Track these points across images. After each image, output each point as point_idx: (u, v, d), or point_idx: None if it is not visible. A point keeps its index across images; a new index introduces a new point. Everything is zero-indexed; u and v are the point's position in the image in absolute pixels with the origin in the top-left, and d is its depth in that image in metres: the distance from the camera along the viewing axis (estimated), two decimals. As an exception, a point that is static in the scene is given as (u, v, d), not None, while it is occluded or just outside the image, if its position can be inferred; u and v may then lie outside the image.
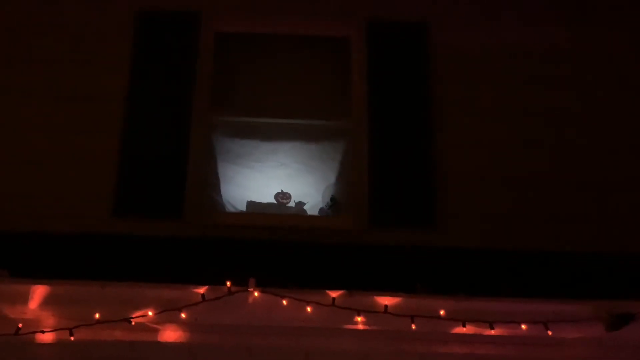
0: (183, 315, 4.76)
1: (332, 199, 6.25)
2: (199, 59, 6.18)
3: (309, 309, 4.79)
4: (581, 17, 6.42)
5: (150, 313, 4.74)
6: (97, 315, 4.72)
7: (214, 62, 6.27)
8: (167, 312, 4.75)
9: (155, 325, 4.85)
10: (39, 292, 4.79)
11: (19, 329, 4.71)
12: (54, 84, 6.03)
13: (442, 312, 4.82)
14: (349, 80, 6.29)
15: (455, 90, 6.15)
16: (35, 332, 4.74)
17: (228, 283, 4.77)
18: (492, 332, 4.81)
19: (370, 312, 4.81)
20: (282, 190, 6.33)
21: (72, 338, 4.70)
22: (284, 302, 4.78)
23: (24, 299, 4.78)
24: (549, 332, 4.81)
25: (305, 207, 6.26)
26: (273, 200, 6.30)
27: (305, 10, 6.41)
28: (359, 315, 4.81)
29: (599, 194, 5.84)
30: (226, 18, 6.42)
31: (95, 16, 6.25)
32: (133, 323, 4.74)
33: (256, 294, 4.78)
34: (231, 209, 6.24)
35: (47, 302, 4.80)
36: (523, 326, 4.82)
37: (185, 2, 6.32)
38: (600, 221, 5.73)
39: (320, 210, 6.22)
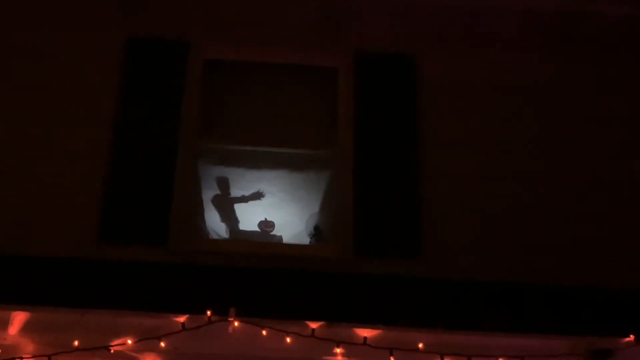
0: (162, 344, 4.75)
1: (316, 228, 6.27)
2: (187, 86, 6.23)
3: (288, 340, 4.81)
4: (567, 53, 6.49)
5: (129, 341, 4.74)
6: (76, 343, 4.71)
7: (201, 89, 6.32)
8: (147, 341, 4.75)
9: (134, 354, 4.83)
10: (19, 318, 4.78)
11: (-2, 355, 4.72)
12: (43, 109, 6.06)
13: (420, 345, 4.84)
14: (336, 109, 6.34)
15: (442, 121, 6.21)
16: (15, 358, 4.71)
17: (208, 312, 4.78)
18: (470, 365, 4.84)
19: (349, 343, 4.83)
20: (265, 219, 6.35)
21: (51, 365, 4.70)
22: (264, 332, 4.79)
23: (4, 324, 4.77)
24: (527, 367, 4.84)
25: (289, 236, 6.30)
26: (257, 229, 6.32)
27: (294, 39, 6.46)
28: (338, 346, 4.83)
29: (581, 228, 5.91)
30: (215, 46, 6.47)
31: (86, 43, 6.28)
32: (112, 351, 4.74)
33: (236, 323, 4.79)
34: (215, 236, 6.26)
35: (27, 328, 4.79)
36: (501, 360, 4.85)
37: (175, 30, 6.36)
38: (580, 255, 5.78)
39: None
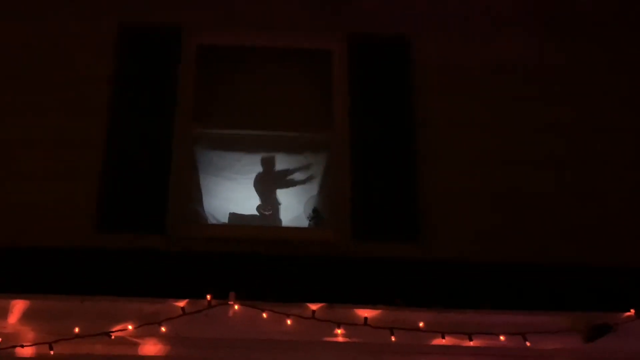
0: (163, 328, 4.76)
1: (315, 210, 6.26)
2: (182, 71, 6.20)
3: (289, 322, 4.82)
4: (564, 32, 6.44)
5: (130, 327, 4.76)
6: (76, 330, 4.73)
7: (196, 74, 6.30)
8: (147, 326, 4.77)
9: (135, 339, 4.86)
10: (18, 306, 4.80)
11: (-2, 343, 4.72)
12: (37, 98, 6.02)
13: (421, 324, 4.87)
14: (331, 92, 6.32)
15: (438, 104, 6.15)
16: (15, 346, 4.73)
17: (208, 296, 4.79)
18: (471, 343, 4.86)
19: (350, 324, 4.85)
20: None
21: (52, 352, 4.70)
22: (264, 315, 4.81)
23: (4, 313, 4.79)
24: (528, 343, 4.86)
25: (287, 219, 6.29)
26: (255, 212, 6.31)
27: (287, 23, 6.43)
28: (339, 327, 4.85)
29: (578, 207, 5.88)
30: (208, 30, 6.43)
31: (78, 30, 6.23)
32: (113, 337, 4.75)
33: (236, 307, 4.81)
34: (213, 221, 6.25)
35: (27, 316, 4.80)
36: (502, 337, 4.86)
37: (168, 16, 6.32)
38: (578, 234, 5.75)
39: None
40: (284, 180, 6.51)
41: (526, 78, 6.31)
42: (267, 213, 6.27)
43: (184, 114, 6.10)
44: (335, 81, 6.31)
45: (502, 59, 6.35)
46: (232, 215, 6.27)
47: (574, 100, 6.25)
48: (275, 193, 6.46)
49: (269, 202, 6.37)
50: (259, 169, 6.49)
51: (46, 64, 6.15)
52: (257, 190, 6.42)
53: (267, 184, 6.46)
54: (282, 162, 6.53)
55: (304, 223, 6.26)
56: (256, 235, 5.82)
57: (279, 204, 6.42)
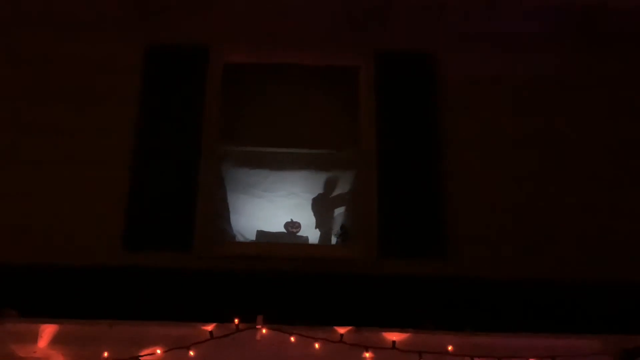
0: (191, 353, 4.78)
1: (342, 227, 6.25)
2: (208, 90, 6.18)
3: (317, 346, 4.81)
4: (588, 48, 6.35)
5: (158, 351, 4.78)
6: (105, 354, 4.76)
7: (223, 93, 6.28)
8: (176, 350, 4.78)
9: (164, 364, 4.87)
10: (48, 330, 4.84)
11: (28, 368, 4.76)
12: (65, 117, 6.04)
13: (450, 348, 4.83)
14: (358, 110, 6.28)
15: (464, 120, 6.11)
16: (45, 371, 4.79)
17: (236, 320, 4.80)
18: (501, 366, 4.81)
19: (378, 348, 4.83)
20: (291, 220, 6.34)
21: (82, 376, 4.74)
22: (292, 339, 4.80)
23: (34, 337, 4.82)
24: (558, 367, 4.80)
25: (315, 237, 6.29)
26: (283, 230, 6.31)
27: (314, 40, 6.39)
28: (367, 351, 4.83)
29: (613, 224, 5.79)
30: (235, 49, 6.41)
31: (106, 50, 6.24)
32: (142, 361, 4.78)
33: (264, 330, 4.81)
34: (241, 239, 6.25)
35: (56, 340, 4.85)
36: (532, 361, 4.82)
37: (194, 35, 6.32)
38: (612, 252, 5.67)
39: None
40: (340, 199, 6.50)
41: (554, 94, 6.23)
42: (295, 231, 6.27)
43: (211, 132, 6.08)
44: (362, 98, 6.27)
45: (529, 74, 6.28)
46: (260, 233, 6.28)
47: (602, 116, 6.18)
48: (333, 213, 6.44)
49: (325, 222, 6.37)
50: (286, 186, 6.49)
51: (74, 83, 6.17)
52: (314, 211, 6.41)
53: (326, 205, 6.45)
54: (309, 179, 6.53)
55: (332, 240, 6.26)
56: (283, 253, 5.79)
57: (334, 224, 6.42)
